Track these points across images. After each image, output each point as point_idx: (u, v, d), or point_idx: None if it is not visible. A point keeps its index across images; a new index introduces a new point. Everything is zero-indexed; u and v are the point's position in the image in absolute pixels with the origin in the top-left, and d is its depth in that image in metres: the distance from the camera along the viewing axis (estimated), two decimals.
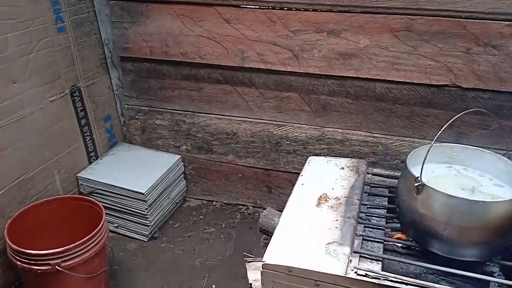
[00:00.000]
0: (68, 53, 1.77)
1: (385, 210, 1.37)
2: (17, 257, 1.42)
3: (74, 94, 1.84)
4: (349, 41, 1.60)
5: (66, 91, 1.80)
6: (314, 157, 1.61)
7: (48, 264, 1.39)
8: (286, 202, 1.36)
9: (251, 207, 2.10)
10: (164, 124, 2.05)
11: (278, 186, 2.00)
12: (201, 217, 2.07)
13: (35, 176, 1.69)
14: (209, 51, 1.78)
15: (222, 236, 1.94)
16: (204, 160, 2.07)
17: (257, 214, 2.06)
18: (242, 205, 2.11)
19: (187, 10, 1.74)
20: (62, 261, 1.40)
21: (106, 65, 1.99)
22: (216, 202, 2.15)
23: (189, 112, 1.97)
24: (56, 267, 1.39)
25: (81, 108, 1.88)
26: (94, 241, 1.47)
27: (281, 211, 1.36)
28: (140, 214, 1.86)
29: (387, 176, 1.52)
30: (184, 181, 2.13)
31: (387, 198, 1.42)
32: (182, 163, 2.09)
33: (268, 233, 1.39)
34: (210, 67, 1.83)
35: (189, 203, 2.16)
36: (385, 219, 1.33)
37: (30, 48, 1.60)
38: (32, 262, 1.39)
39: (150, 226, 1.89)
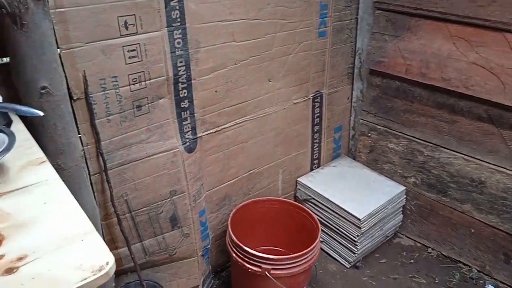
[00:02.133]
0: (322, 58, 1.74)
1: None
2: (234, 248, 1.46)
3: (316, 100, 1.81)
4: None
5: (310, 95, 1.78)
6: None
7: (259, 267, 1.38)
8: None
9: (476, 271, 1.75)
10: (397, 150, 1.86)
11: None
12: (411, 261, 1.83)
13: (263, 172, 1.73)
14: (479, 82, 1.50)
15: None
16: (432, 200, 1.80)
17: (481, 281, 1.71)
18: (464, 264, 1.78)
19: (465, 32, 1.49)
20: (273, 268, 1.38)
21: (352, 75, 1.91)
22: (433, 250, 1.87)
23: (431, 144, 1.73)
24: (266, 272, 1.38)
25: (318, 114, 1.85)
26: (307, 257, 1.41)
27: None
28: (349, 239, 1.74)
29: None
30: (401, 215, 1.91)
31: None
32: (405, 196, 1.87)
33: None
34: (473, 100, 1.55)
35: (400, 240, 1.94)
36: None
37: (291, 49, 1.61)
38: (246, 259, 1.41)
39: (357, 254, 1.75)
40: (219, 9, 1.33)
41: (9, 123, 0.90)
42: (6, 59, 0.97)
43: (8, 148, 0.74)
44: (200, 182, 1.47)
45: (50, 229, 0.64)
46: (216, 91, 1.42)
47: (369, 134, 1.95)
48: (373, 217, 1.73)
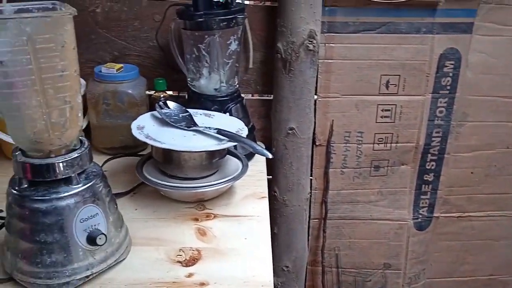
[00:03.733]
0: None
1: None
2: None
3: None
4: None
5: None
6: None
7: None
8: None
9: None
10: None
11: None
12: None
13: (511, 283, 1.39)
14: None
15: None
16: None
17: None
18: None
19: None
20: None
21: None
22: None
23: None
24: None
25: None
26: None
27: None
28: None
29: None
30: None
31: None
32: None
33: None
34: None
35: None
36: None
37: None
38: None
39: None
40: (504, 83, 1.13)
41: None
42: (270, 96, 1.08)
43: (237, 177, 0.81)
44: (422, 266, 1.29)
45: (237, 267, 0.66)
46: (472, 173, 1.22)
47: None
48: None
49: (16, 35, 0.49)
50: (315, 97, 1.06)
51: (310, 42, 0.96)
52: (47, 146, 0.55)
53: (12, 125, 0.56)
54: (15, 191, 0.57)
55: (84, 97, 0.91)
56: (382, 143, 1.14)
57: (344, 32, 1.04)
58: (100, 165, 0.66)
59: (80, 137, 0.60)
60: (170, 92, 1.04)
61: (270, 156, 0.77)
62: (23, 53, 0.50)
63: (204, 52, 0.90)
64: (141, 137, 0.77)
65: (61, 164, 0.56)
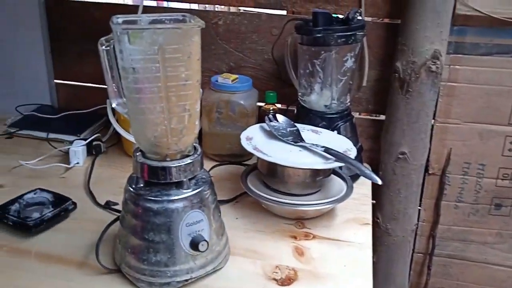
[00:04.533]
0: None
1: None
2: None
3: None
4: None
5: None
6: None
7: None
8: None
9: None
10: None
11: None
12: None
13: None
14: None
15: None
16: None
17: None
18: None
19: None
20: None
21: None
22: None
23: None
24: None
25: None
26: None
27: None
28: None
29: None
30: None
31: None
32: None
33: None
34: None
35: None
36: None
37: None
38: None
39: None
40: None
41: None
42: (382, 117, 1.03)
43: (340, 199, 0.78)
44: None
45: None
46: None
47: None
48: None
49: (150, 44, 0.52)
50: (433, 121, 0.99)
51: (433, 63, 0.90)
52: (164, 150, 0.58)
53: (136, 127, 0.60)
54: (131, 189, 0.60)
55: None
56: (507, 179, 1.01)
57: (473, 54, 0.95)
58: (207, 170, 0.68)
59: (194, 144, 0.62)
60: (279, 105, 1.05)
61: (380, 182, 0.72)
62: (153, 62, 0.53)
63: (318, 68, 0.88)
64: (249, 148, 0.78)
65: (175, 168, 0.58)
